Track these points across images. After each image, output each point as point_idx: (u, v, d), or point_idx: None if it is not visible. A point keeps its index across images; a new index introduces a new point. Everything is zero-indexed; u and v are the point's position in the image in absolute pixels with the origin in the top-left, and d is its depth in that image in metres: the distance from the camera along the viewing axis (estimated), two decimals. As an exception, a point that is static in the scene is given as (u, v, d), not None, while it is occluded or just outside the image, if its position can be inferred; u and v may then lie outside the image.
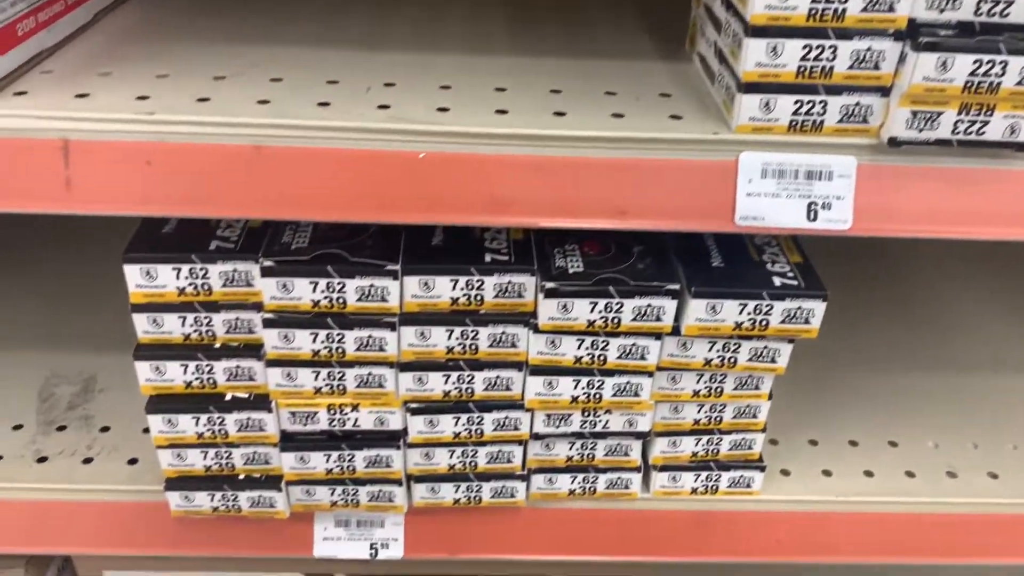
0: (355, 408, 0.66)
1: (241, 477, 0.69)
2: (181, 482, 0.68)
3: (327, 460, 0.68)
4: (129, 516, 0.74)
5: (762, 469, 0.73)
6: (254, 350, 0.64)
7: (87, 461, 0.75)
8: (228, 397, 0.65)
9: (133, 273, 0.60)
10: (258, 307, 0.62)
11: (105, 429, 0.79)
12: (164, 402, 0.65)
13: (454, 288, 0.61)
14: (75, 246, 1.07)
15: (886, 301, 1.05)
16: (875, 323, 1.00)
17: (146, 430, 0.79)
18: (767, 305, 0.60)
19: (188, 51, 0.64)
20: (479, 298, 0.61)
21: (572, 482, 0.72)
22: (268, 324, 0.61)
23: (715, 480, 0.73)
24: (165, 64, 0.61)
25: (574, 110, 0.58)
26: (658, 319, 0.61)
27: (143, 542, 0.75)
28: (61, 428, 0.79)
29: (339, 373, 0.64)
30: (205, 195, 0.55)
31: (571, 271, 0.60)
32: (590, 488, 0.73)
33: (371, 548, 0.74)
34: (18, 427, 0.79)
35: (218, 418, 0.65)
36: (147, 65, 0.61)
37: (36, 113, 0.53)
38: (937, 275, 1.11)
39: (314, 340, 0.62)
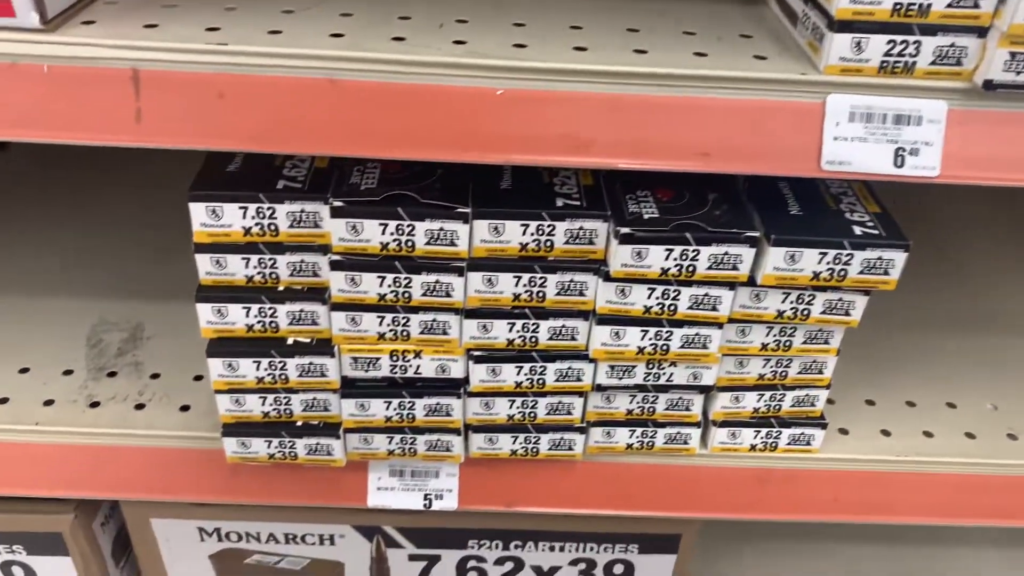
0: (418, 355, 0.65)
1: (299, 424, 0.68)
2: (238, 428, 0.68)
3: (387, 407, 0.67)
4: (182, 462, 0.73)
5: (823, 427, 0.72)
6: (318, 293, 0.62)
7: (139, 407, 0.75)
8: (290, 341, 0.64)
9: (198, 211, 0.58)
10: (324, 249, 0.61)
11: (155, 376, 0.78)
12: (224, 345, 0.64)
13: (524, 233, 0.59)
14: (119, 192, 1.06)
15: (940, 260, 1.03)
16: (929, 283, 0.98)
17: (197, 377, 0.79)
18: (847, 255, 0.59)
19: (253, -15, 0.62)
20: (549, 244, 0.60)
21: (630, 436, 0.71)
22: (335, 266, 0.60)
23: (775, 437, 0.72)
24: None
25: (655, 48, 0.56)
26: (734, 268, 0.59)
27: (195, 489, 0.75)
28: (112, 374, 0.78)
29: (404, 319, 0.63)
30: (279, 130, 0.53)
31: (646, 217, 0.59)
32: (648, 443, 0.72)
33: (425, 499, 0.74)
34: (68, 372, 0.78)
35: (279, 363, 0.64)
36: (214, -1, 0.59)
37: (106, 42, 0.51)
38: (995, 235, 1.09)
39: (381, 284, 0.61)
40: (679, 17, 0.62)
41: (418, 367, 0.65)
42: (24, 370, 0.78)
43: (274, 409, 0.67)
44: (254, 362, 0.64)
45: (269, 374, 0.65)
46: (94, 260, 0.94)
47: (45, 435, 0.72)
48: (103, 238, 0.98)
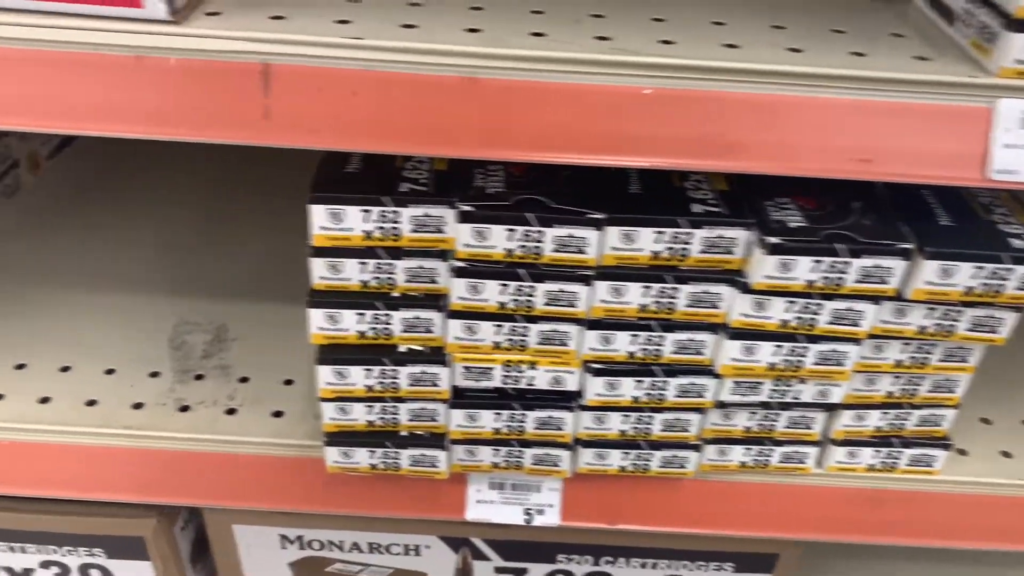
0: (532, 366, 0.62)
1: (404, 434, 0.65)
2: (342, 437, 0.65)
3: (496, 419, 0.64)
4: (275, 470, 0.71)
5: (947, 447, 0.68)
6: (434, 300, 0.60)
7: (231, 412, 0.72)
8: (403, 349, 0.61)
9: (319, 214, 0.55)
10: (443, 255, 0.58)
11: (244, 380, 0.76)
12: (336, 353, 0.61)
13: (658, 241, 0.56)
14: (192, 187, 1.04)
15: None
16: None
17: (287, 382, 0.76)
18: (1005, 269, 0.55)
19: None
20: (683, 253, 0.56)
21: (745, 454, 0.68)
22: (459, 273, 0.57)
23: (895, 457, 0.69)
24: (355, -12, 0.56)
25: (808, 47, 0.52)
26: (883, 281, 0.56)
27: (287, 498, 0.72)
28: (199, 377, 0.76)
29: (523, 328, 0.60)
30: (414, 131, 0.50)
31: (791, 226, 0.55)
32: (763, 461, 0.69)
33: (526, 513, 0.71)
34: (155, 374, 0.76)
35: (391, 371, 0.61)
36: (336, -12, 0.56)
37: (237, 35, 0.49)
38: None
39: (503, 292, 0.58)
40: (822, 14, 0.58)
41: (532, 378, 0.62)
42: (110, 371, 0.76)
43: (380, 418, 0.64)
44: (365, 370, 0.61)
45: (380, 383, 0.62)
46: (170, 258, 0.92)
47: (136, 439, 0.70)
48: (176, 235, 0.96)
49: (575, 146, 0.51)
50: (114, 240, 0.94)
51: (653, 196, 0.57)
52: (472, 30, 0.51)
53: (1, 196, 0.94)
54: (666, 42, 0.52)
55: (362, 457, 0.66)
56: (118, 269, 0.89)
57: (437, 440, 0.65)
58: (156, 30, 0.48)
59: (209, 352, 0.79)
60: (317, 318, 0.60)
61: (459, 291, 0.58)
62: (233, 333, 0.82)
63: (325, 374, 0.61)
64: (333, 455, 0.66)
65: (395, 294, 0.59)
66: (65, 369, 0.76)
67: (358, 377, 0.62)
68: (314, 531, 0.81)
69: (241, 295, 0.86)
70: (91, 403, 0.72)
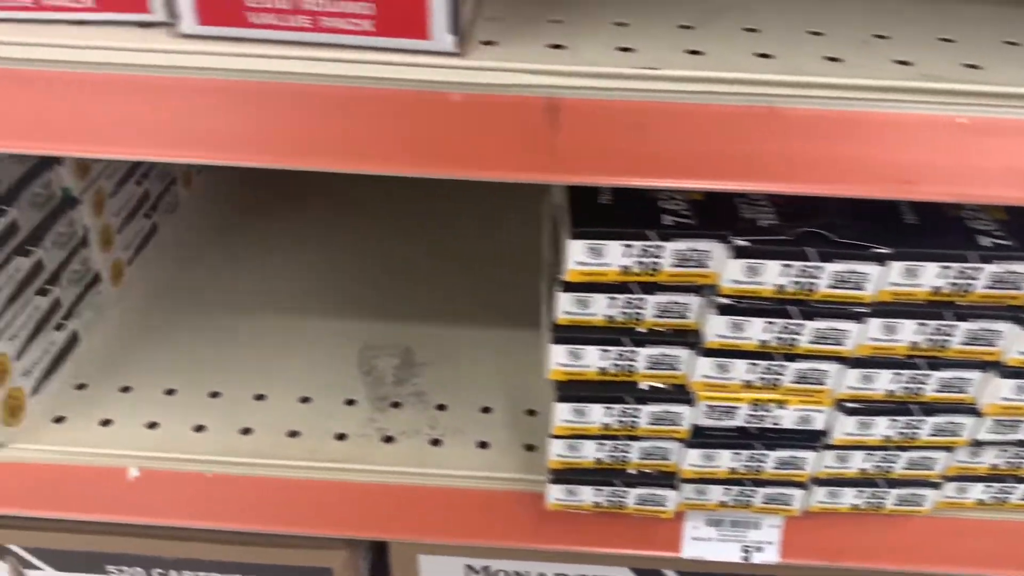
0: (780, 405, 0.58)
1: (633, 472, 0.63)
2: (568, 474, 0.63)
3: (735, 459, 0.61)
4: (483, 504, 0.69)
5: None
6: (682, 336, 0.57)
7: (435, 443, 0.70)
8: (643, 387, 0.58)
9: (578, 250, 0.53)
10: (698, 290, 0.55)
11: (441, 407, 0.74)
12: (577, 390, 0.58)
13: (940, 276, 0.52)
14: (378, 214, 1.02)
15: None
16: None
17: (484, 409, 0.74)
18: None
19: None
20: (966, 288, 0.53)
21: (985, 491, 0.64)
22: (724, 311, 0.54)
23: None
24: (622, 11, 0.53)
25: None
26: None
27: (494, 533, 0.70)
28: (396, 405, 0.74)
29: (779, 367, 0.56)
30: (708, 164, 0.47)
31: (1088, 261, 0.51)
32: (1002, 498, 0.65)
33: (744, 550, 0.68)
34: (351, 402, 0.74)
35: (633, 409, 0.58)
36: (600, 11, 0.53)
37: (523, 67, 0.46)
38: None
39: (767, 330, 0.54)
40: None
41: (778, 418, 0.59)
42: (305, 399, 0.74)
43: (610, 456, 0.62)
44: (605, 408, 0.59)
45: (619, 421, 0.59)
46: (338, 277, 0.90)
47: (344, 473, 0.68)
48: (340, 253, 0.94)
49: (882, 178, 0.47)
50: (278, 259, 0.93)
51: (933, 227, 0.54)
52: (762, 55, 0.48)
53: (165, 213, 0.93)
54: (971, 66, 0.48)
55: (587, 495, 0.63)
56: (288, 289, 0.88)
57: (667, 479, 0.62)
58: (441, 63, 0.46)
59: (401, 378, 0.77)
60: (559, 354, 0.57)
61: (718, 328, 0.55)
62: (420, 357, 0.80)
63: (563, 412, 0.59)
64: (556, 492, 0.63)
65: (640, 329, 0.57)
66: (260, 398, 0.74)
67: (597, 415, 0.59)
68: (501, 561, 0.79)
69: (421, 317, 0.84)
70: (293, 434, 0.71)
